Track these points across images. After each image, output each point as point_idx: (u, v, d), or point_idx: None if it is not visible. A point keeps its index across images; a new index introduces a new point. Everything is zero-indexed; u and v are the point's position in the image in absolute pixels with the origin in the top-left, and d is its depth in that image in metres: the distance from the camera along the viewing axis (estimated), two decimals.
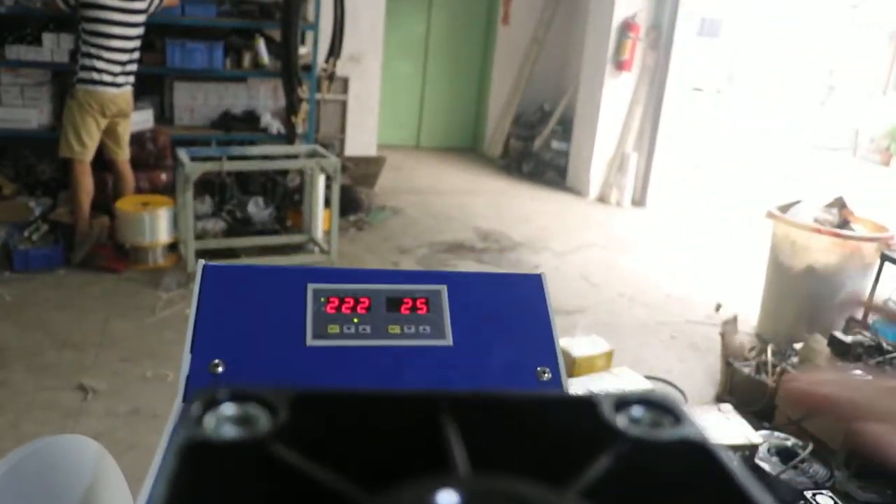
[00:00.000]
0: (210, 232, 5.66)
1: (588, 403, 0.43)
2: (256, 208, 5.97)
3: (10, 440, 3.31)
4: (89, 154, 5.17)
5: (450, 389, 0.41)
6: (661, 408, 0.43)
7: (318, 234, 5.84)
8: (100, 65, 5.00)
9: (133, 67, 5.24)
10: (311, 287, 0.93)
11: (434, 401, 0.40)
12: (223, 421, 0.38)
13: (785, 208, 5.10)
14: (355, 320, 0.91)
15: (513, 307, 0.96)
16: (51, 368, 3.93)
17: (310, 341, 0.89)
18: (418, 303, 0.94)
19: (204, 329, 0.88)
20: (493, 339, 0.93)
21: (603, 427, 0.41)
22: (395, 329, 0.92)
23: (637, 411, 0.43)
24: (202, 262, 0.94)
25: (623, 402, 0.43)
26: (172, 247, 5.47)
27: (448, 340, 0.92)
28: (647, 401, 0.43)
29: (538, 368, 0.91)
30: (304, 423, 0.38)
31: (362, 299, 0.93)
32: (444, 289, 0.96)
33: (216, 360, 0.86)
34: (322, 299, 0.92)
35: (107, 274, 5.13)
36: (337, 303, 0.92)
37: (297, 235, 5.93)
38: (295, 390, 0.39)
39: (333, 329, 0.91)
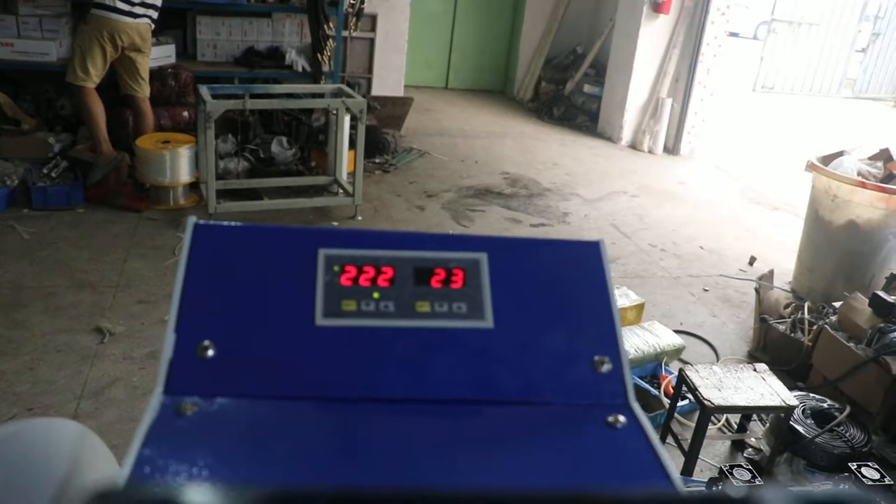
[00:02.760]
0: (232, 172, 5.54)
1: None
2: (280, 148, 5.83)
3: (25, 384, 3.24)
4: (92, 82, 5.05)
5: (531, 491, 0.24)
6: None
7: (343, 175, 5.70)
8: None
9: (155, 0, 5.09)
10: (322, 253, 0.77)
11: None
12: None
13: (826, 160, 4.88)
14: (376, 295, 0.76)
15: (565, 281, 0.80)
16: (68, 309, 3.86)
17: (320, 320, 0.73)
18: (453, 274, 0.78)
19: (192, 302, 0.73)
20: (542, 320, 0.77)
21: None
22: (424, 307, 0.76)
23: None
24: (192, 218, 0.78)
25: None
26: (194, 186, 5.36)
27: (488, 322, 0.76)
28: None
29: (595, 358, 0.75)
30: None
31: (385, 269, 0.77)
32: (483, 257, 0.79)
33: (205, 342, 0.71)
34: (336, 268, 0.76)
35: (126, 213, 5.03)
36: (354, 273, 0.76)
37: (320, 177, 5.80)
38: (261, 494, 0.23)
39: (349, 306, 0.75)
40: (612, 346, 0.76)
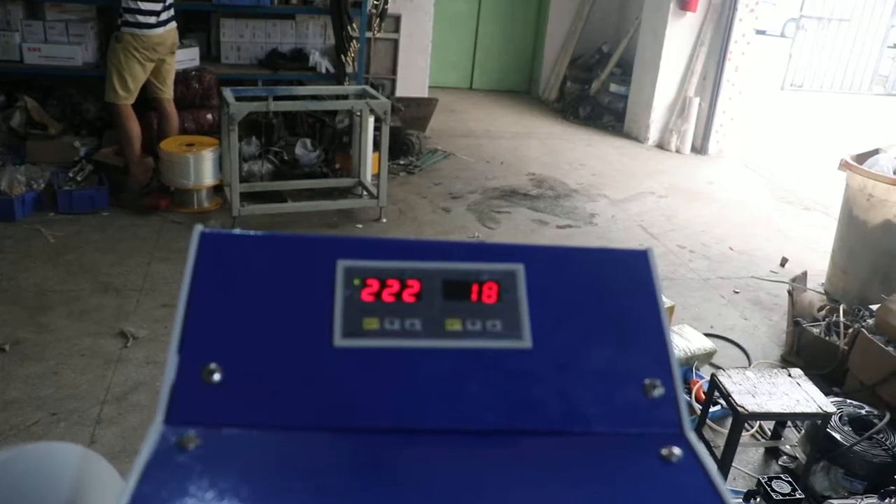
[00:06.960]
0: (256, 174, 5.51)
1: None
2: (304, 150, 5.80)
3: (49, 388, 3.23)
4: (132, 98, 5.07)
5: None
6: None
7: (367, 177, 5.66)
8: (144, 6, 4.85)
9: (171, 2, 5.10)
10: (341, 264, 0.68)
11: None
12: None
13: (860, 158, 4.77)
14: (401, 312, 0.68)
15: (611, 295, 0.72)
16: (92, 313, 3.84)
17: (339, 341, 0.65)
18: (486, 288, 0.69)
19: (197, 320, 0.65)
20: (586, 339, 0.69)
21: None
22: (455, 325, 0.67)
23: None
24: (198, 227, 0.70)
25: None
26: (218, 189, 5.34)
27: (525, 341, 0.67)
28: None
29: (646, 381, 0.66)
30: None
31: (410, 282, 0.68)
32: (520, 269, 0.71)
33: (212, 365, 0.63)
34: (356, 282, 0.68)
35: (150, 216, 5.03)
36: (377, 287, 0.68)
37: (345, 179, 5.76)
38: None
39: (371, 324, 0.66)
40: (664, 367, 0.67)
